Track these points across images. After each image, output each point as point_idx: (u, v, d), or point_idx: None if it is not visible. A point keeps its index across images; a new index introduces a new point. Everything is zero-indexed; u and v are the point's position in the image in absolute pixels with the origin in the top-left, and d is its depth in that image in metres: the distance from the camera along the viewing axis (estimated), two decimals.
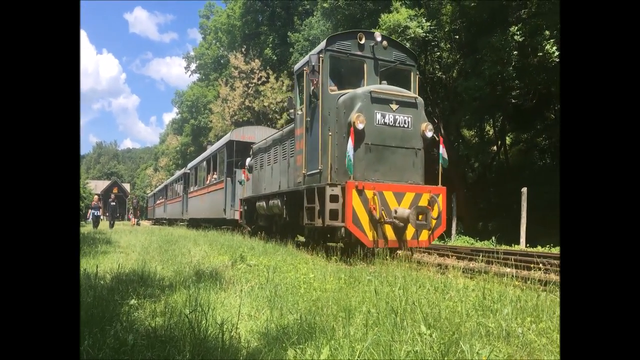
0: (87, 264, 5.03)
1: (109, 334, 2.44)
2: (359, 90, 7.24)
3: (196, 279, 4.37)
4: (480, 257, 6.63)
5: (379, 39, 7.92)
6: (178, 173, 29.89)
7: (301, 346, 2.34)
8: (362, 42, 7.78)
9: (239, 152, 15.62)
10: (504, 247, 10.66)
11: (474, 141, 21.21)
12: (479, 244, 12.38)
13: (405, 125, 7.33)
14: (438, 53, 16.11)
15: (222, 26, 40.55)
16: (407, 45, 12.03)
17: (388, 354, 2.18)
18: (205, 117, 43.65)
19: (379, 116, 7.14)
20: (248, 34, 35.16)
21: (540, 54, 12.23)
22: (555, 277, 5.20)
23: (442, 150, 7.76)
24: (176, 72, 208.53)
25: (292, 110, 9.01)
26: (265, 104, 29.13)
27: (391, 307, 2.98)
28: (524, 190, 11.38)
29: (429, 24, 13.88)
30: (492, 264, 6.20)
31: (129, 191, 74.14)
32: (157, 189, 44.65)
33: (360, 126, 6.89)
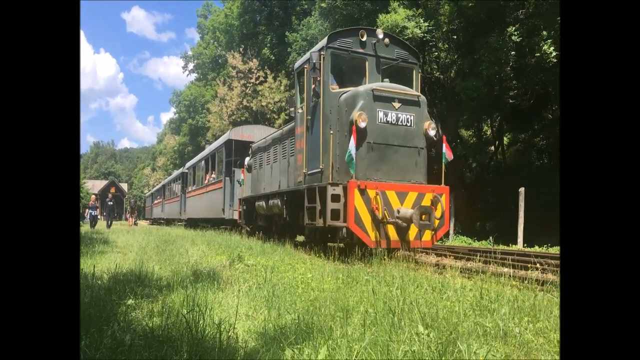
0: (85, 264, 5.01)
1: (107, 334, 2.44)
2: (361, 88, 7.14)
3: (194, 279, 4.36)
4: (478, 257, 6.63)
5: (380, 36, 7.82)
6: (176, 173, 29.78)
7: (299, 346, 2.34)
8: (364, 39, 7.68)
9: (237, 151, 15.51)
10: (501, 247, 10.69)
11: (471, 141, 21.26)
12: (476, 244, 12.38)
13: (408, 124, 7.23)
14: (436, 53, 16.11)
15: (219, 26, 40.47)
16: None
17: (385, 354, 2.18)
18: (203, 117, 43.52)
19: (381, 114, 7.03)
20: (246, 33, 35.11)
21: (538, 54, 12.28)
22: (552, 277, 5.22)
23: (446, 149, 7.69)
24: (174, 71, 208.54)
25: (292, 109, 8.88)
26: (263, 103, 29.06)
27: (389, 307, 2.98)
28: (522, 190, 11.39)
29: (426, 24, 13.87)
30: (490, 264, 6.20)
31: (126, 191, 73.97)
32: (154, 188, 44.55)
33: (362, 124, 6.80)
